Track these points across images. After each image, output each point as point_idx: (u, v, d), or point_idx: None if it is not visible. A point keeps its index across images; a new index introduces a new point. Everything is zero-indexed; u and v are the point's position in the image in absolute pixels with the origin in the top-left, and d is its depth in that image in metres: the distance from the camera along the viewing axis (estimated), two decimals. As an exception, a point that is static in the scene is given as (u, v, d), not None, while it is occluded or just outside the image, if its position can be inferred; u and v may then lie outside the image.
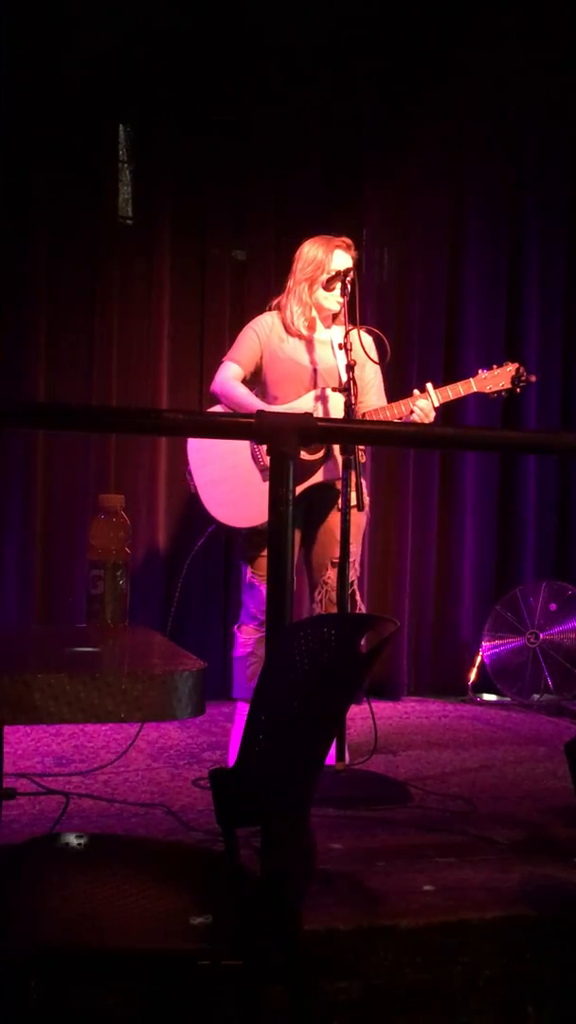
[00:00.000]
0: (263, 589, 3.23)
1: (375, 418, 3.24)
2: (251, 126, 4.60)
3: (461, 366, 4.76)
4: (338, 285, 3.24)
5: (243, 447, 3.30)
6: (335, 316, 3.39)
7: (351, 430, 2.80)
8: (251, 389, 3.39)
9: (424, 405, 3.24)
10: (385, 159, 4.77)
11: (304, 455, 3.23)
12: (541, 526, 5.05)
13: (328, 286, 3.28)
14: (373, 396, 3.36)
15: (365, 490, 3.11)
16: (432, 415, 3.26)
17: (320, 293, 3.31)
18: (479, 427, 4.62)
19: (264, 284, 4.43)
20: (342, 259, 3.30)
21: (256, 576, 3.32)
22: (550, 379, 5.04)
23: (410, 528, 4.81)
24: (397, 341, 4.55)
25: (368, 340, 3.28)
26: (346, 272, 3.18)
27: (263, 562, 3.23)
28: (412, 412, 3.24)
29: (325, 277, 3.27)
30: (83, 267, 4.42)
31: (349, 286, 3.17)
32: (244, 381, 3.38)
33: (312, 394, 3.30)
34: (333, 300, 3.31)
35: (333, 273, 3.26)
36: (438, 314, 4.89)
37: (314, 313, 3.35)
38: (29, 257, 4.32)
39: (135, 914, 1.36)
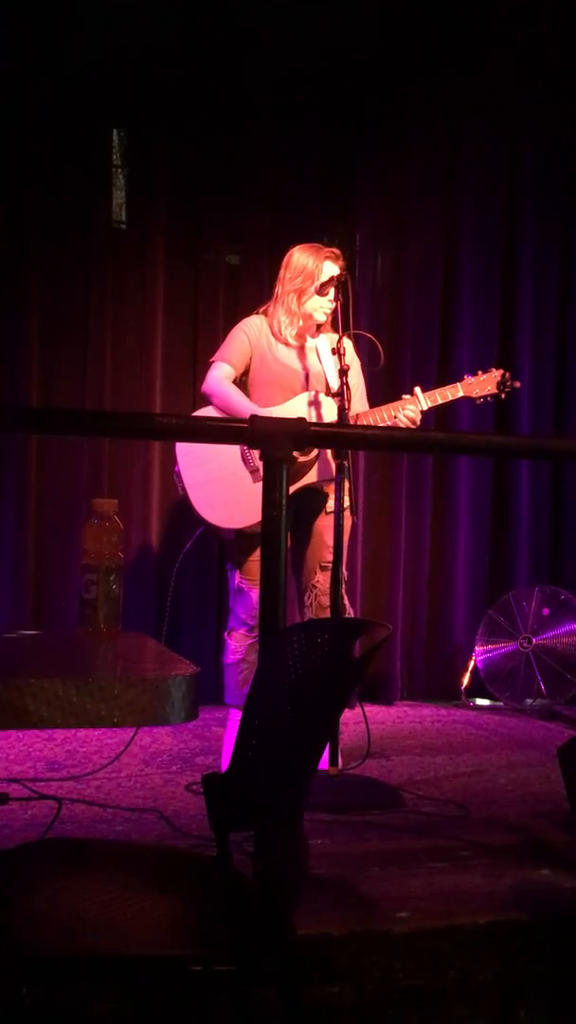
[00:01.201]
0: (252, 594, 3.23)
1: (363, 422, 3.24)
2: (246, 131, 4.61)
3: (455, 371, 4.76)
4: (331, 290, 3.25)
5: (233, 449, 3.30)
6: (319, 325, 3.39)
7: (344, 435, 2.80)
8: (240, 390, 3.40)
9: (410, 413, 3.24)
10: (379, 165, 4.78)
11: (295, 455, 3.23)
12: (534, 530, 5.06)
13: (322, 291, 3.28)
14: (357, 400, 3.37)
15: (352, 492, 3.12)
16: (418, 420, 3.27)
17: (309, 304, 3.31)
18: (472, 432, 4.63)
19: (258, 288, 4.43)
20: (332, 270, 3.30)
21: (245, 581, 3.32)
22: (543, 384, 5.06)
23: (403, 532, 4.81)
24: (391, 346, 4.57)
25: (351, 343, 3.29)
26: (340, 277, 3.19)
27: (252, 567, 3.24)
28: (395, 418, 3.24)
29: (316, 286, 3.28)
30: (77, 271, 4.42)
31: (340, 291, 3.18)
32: (234, 382, 3.38)
33: (305, 397, 3.31)
34: (321, 311, 3.31)
35: (326, 280, 3.27)
36: (432, 319, 4.90)
37: (300, 323, 3.35)
38: (23, 261, 4.32)
39: (127, 919, 1.35)
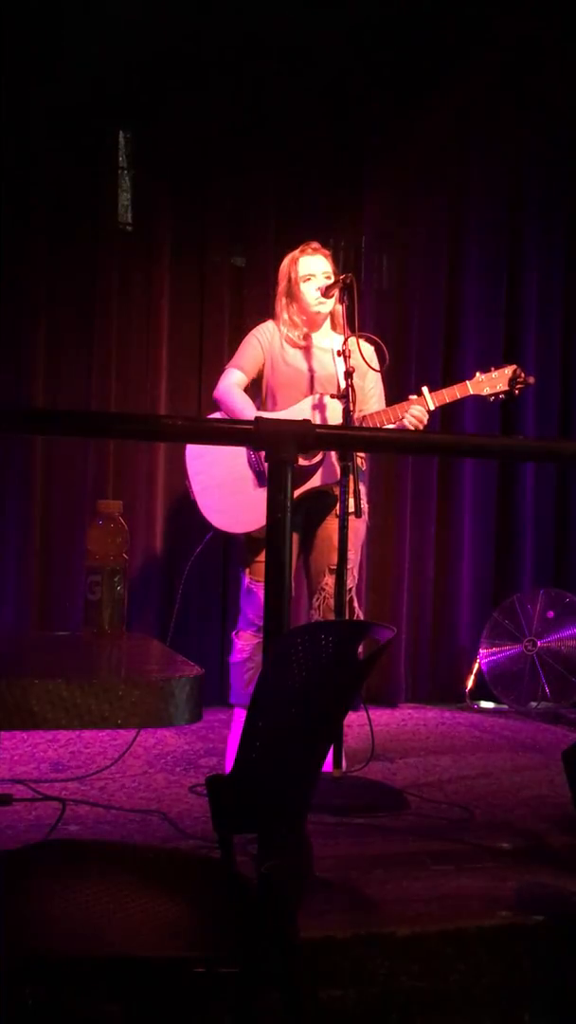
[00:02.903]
0: (261, 595, 3.23)
1: (369, 424, 3.24)
2: (251, 133, 4.61)
3: (460, 371, 4.76)
4: (336, 292, 3.26)
5: (240, 453, 3.31)
6: (333, 322, 3.41)
7: (348, 436, 2.80)
8: (253, 396, 3.41)
9: (417, 413, 3.23)
10: (384, 166, 4.78)
11: (300, 459, 3.23)
12: (539, 533, 5.05)
13: (327, 293, 3.29)
14: (374, 404, 3.37)
15: (363, 496, 3.11)
16: (426, 420, 3.26)
17: (302, 299, 3.33)
18: (477, 434, 4.63)
19: (263, 291, 4.44)
20: (308, 263, 3.35)
21: (254, 582, 3.32)
22: (549, 386, 5.05)
23: (408, 535, 4.81)
24: (397, 346, 4.57)
25: (368, 349, 3.28)
26: (346, 280, 3.19)
27: (261, 568, 3.23)
28: (400, 420, 3.23)
29: (321, 285, 3.29)
30: (83, 273, 4.42)
31: (346, 294, 3.18)
32: (247, 388, 3.40)
33: (310, 400, 3.31)
34: (314, 300, 3.32)
35: (308, 277, 3.32)
36: (437, 319, 4.90)
37: (302, 326, 3.36)
38: (29, 263, 4.33)
39: (130, 921, 1.35)
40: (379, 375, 3.39)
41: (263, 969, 1.35)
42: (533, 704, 4.61)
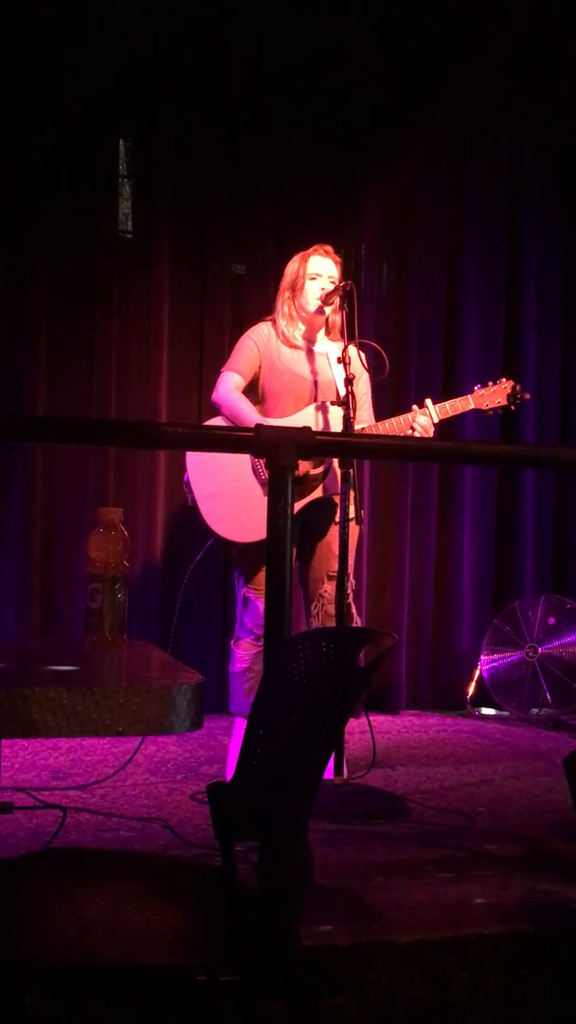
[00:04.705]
0: (259, 604, 3.23)
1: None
2: (251, 141, 4.62)
3: (460, 381, 4.78)
4: (336, 299, 3.26)
5: (244, 460, 3.30)
6: (330, 330, 3.41)
7: (349, 443, 2.80)
8: (249, 398, 3.41)
9: (424, 422, 3.26)
10: (384, 174, 4.79)
11: (307, 469, 3.24)
12: (540, 540, 5.05)
13: (327, 300, 3.30)
14: (365, 410, 3.38)
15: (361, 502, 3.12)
16: (432, 431, 3.28)
17: (301, 297, 3.34)
18: (478, 441, 4.63)
19: (263, 298, 4.44)
20: (318, 263, 3.36)
21: (252, 591, 3.32)
22: (548, 393, 5.06)
23: (408, 542, 4.80)
24: (396, 356, 4.57)
25: (361, 353, 3.30)
26: (346, 287, 3.20)
27: (261, 577, 3.23)
28: (413, 429, 3.26)
29: (325, 287, 3.31)
30: (83, 281, 4.43)
31: (345, 301, 3.19)
32: (244, 390, 3.40)
33: (312, 407, 3.31)
34: (311, 296, 3.34)
35: (315, 275, 3.34)
36: (437, 329, 4.90)
37: (302, 327, 3.37)
38: (29, 271, 4.33)
39: (132, 929, 1.35)
40: (369, 381, 3.41)
41: (264, 977, 1.35)
42: (534, 711, 4.61)
